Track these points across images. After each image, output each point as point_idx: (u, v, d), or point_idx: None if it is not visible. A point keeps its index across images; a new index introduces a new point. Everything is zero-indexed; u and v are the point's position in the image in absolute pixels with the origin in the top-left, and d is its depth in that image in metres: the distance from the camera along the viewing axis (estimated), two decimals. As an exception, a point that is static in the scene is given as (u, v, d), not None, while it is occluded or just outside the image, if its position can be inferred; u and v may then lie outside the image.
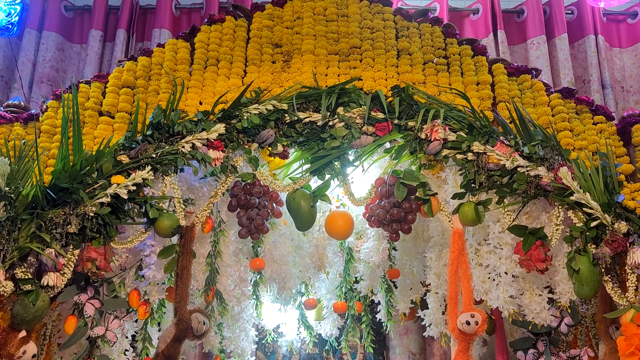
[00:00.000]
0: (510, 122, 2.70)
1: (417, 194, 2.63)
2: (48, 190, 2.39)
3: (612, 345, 2.58)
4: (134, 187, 2.47)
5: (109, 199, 2.42)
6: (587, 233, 2.45)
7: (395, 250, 3.17)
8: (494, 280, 2.66)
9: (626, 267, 2.44)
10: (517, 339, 3.08)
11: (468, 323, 2.44)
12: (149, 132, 2.57)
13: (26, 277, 2.35)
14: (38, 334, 2.78)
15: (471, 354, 2.53)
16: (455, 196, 2.62)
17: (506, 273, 2.62)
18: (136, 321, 2.95)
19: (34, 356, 2.41)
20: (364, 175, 2.77)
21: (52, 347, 2.90)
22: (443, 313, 2.91)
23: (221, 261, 2.85)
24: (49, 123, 2.77)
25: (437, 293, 2.92)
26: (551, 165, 2.52)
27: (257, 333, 3.69)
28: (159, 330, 3.04)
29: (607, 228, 2.43)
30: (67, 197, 2.40)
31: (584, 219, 2.47)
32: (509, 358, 3.01)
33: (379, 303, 3.31)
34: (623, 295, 2.44)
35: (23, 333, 2.38)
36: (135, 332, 2.95)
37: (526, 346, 2.99)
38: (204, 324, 2.47)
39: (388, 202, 2.66)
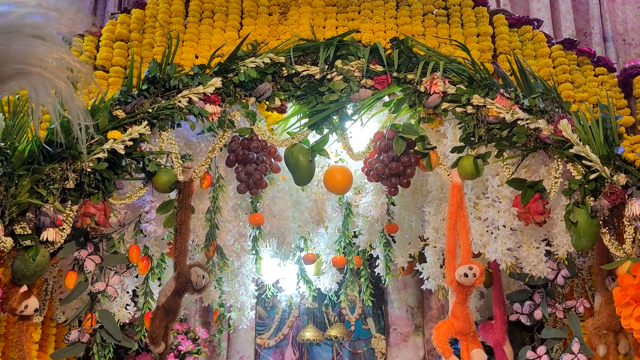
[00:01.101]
0: (510, 75, 2.67)
1: (416, 147, 2.62)
2: (44, 146, 2.37)
3: (607, 296, 2.62)
4: (131, 143, 2.45)
5: (106, 155, 2.41)
6: (586, 186, 2.45)
7: (394, 205, 3.17)
8: (492, 233, 2.68)
9: (624, 219, 2.45)
10: (514, 292, 3.13)
11: (466, 275, 2.46)
12: (144, 87, 2.54)
13: (25, 232, 2.36)
14: (39, 289, 2.80)
15: (468, 305, 2.56)
16: (454, 150, 2.60)
17: (504, 226, 2.63)
18: (136, 276, 2.98)
19: (36, 310, 2.44)
20: (363, 129, 2.75)
21: (53, 302, 2.93)
22: (441, 266, 2.93)
23: (220, 217, 2.85)
24: (43, 77, 2.72)
25: (435, 247, 2.94)
26: (551, 118, 2.51)
27: (256, 288, 3.73)
28: (160, 285, 3.07)
29: (605, 180, 2.43)
30: (63, 152, 2.38)
31: (583, 172, 2.46)
32: (506, 310, 3.06)
33: (377, 257, 3.33)
34: (620, 247, 2.45)
35: (24, 288, 2.40)
36: (135, 287, 2.98)
37: (523, 298, 3.04)
38: (204, 277, 2.49)
39: (387, 156, 2.64)
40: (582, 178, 2.46)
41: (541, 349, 2.93)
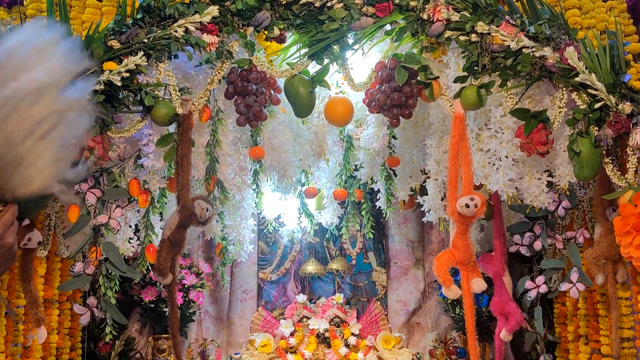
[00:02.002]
0: (516, 1, 2.59)
1: (418, 77, 2.57)
2: (39, 78, 2.32)
3: (608, 226, 2.63)
4: (127, 74, 2.40)
5: (102, 87, 2.36)
6: (590, 115, 2.42)
7: (395, 138, 3.15)
8: (494, 164, 2.66)
9: (627, 149, 2.43)
10: (514, 224, 3.15)
11: (467, 206, 2.47)
12: (139, 16, 2.46)
13: (24, 165, 2.35)
14: (42, 224, 2.83)
15: (469, 236, 2.58)
16: (457, 79, 2.56)
17: (506, 157, 2.61)
18: (138, 211, 2.99)
19: (39, 243, 2.46)
20: (364, 59, 2.69)
21: (57, 237, 2.95)
22: (442, 199, 2.94)
23: (220, 150, 2.83)
24: (34, 7, 2.65)
25: (436, 179, 2.93)
26: (557, 46, 2.44)
27: (257, 223, 3.76)
28: (162, 220, 3.09)
29: (610, 109, 2.40)
30: (59, 84, 2.34)
31: (588, 101, 2.42)
32: (506, 242, 3.09)
33: (378, 191, 3.33)
34: (622, 177, 2.45)
35: (26, 221, 2.39)
36: (137, 221, 3.00)
37: (523, 230, 3.06)
38: (207, 210, 2.50)
39: (388, 86, 2.60)
40: (587, 107, 2.42)
41: (540, 279, 2.98)
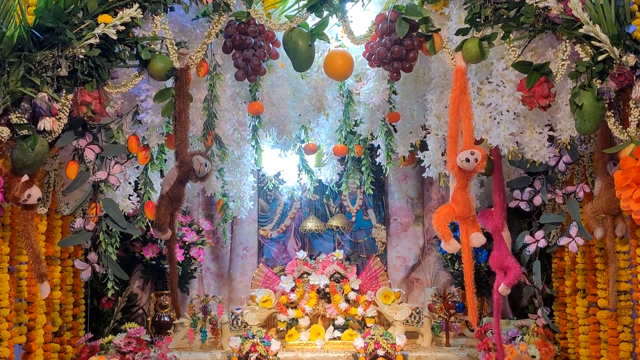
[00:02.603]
0: (520, -50, 2.52)
1: (419, 30, 2.52)
2: (33, 31, 2.29)
3: (608, 180, 2.63)
4: (123, 27, 2.36)
5: (97, 40, 2.33)
6: (594, 67, 2.38)
7: (396, 94, 3.11)
8: (494, 119, 2.64)
9: (630, 102, 2.40)
10: (514, 179, 3.14)
11: (468, 160, 2.46)
12: (134, -34, 2.40)
13: (22, 122, 2.33)
14: (42, 182, 2.82)
15: (469, 191, 2.57)
16: (459, 32, 2.51)
17: (508, 111, 2.59)
18: (137, 168, 2.98)
19: (39, 200, 2.46)
20: (364, 11, 2.65)
21: (57, 194, 2.96)
22: (442, 154, 2.92)
23: (219, 106, 2.80)
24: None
25: (437, 135, 2.91)
26: (561, -4, 2.39)
27: (256, 180, 3.75)
28: (161, 177, 3.08)
29: (614, 62, 2.36)
30: (53, 38, 2.31)
31: (591, 53, 2.38)
32: (505, 198, 3.08)
33: (378, 147, 3.31)
34: (624, 130, 2.43)
35: (25, 177, 2.40)
36: (137, 178, 2.99)
37: (523, 185, 3.05)
38: (206, 165, 2.49)
39: (389, 39, 2.55)
40: (590, 60, 2.38)
41: (539, 234, 2.99)
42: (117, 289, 2.76)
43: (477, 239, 2.55)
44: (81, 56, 2.32)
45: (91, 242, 3.11)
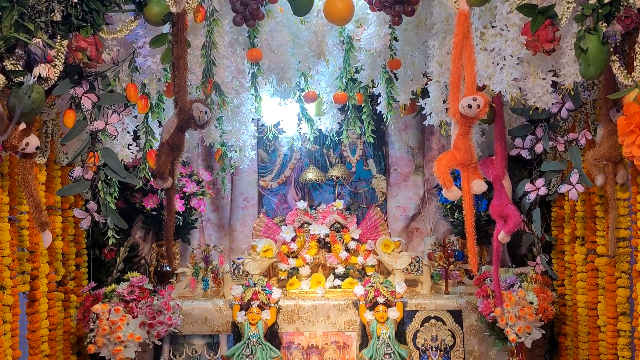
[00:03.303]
0: None
1: (421, -29, 2.45)
2: (24, -26, 2.22)
3: (610, 127, 2.61)
4: (117, -31, 2.30)
5: (92, -17, 2.27)
6: (600, 10, 2.33)
7: (397, 40, 3.04)
8: (498, 64, 2.60)
9: (636, 46, 2.35)
10: (516, 127, 3.12)
11: (470, 106, 2.43)
12: None
13: (16, 69, 2.29)
14: (40, 132, 2.80)
15: (471, 137, 2.55)
16: (462, -27, 2.44)
17: (511, 56, 2.55)
18: (136, 117, 2.95)
19: (37, 148, 2.44)
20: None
21: (55, 144, 2.94)
22: (444, 101, 2.89)
23: (217, 53, 2.75)
24: None
25: (438, 82, 2.87)
26: None
27: (256, 129, 3.72)
28: (160, 126, 3.05)
29: (621, 4, 2.30)
30: (45, -19, 2.25)
31: (598, -5, 2.33)
32: (507, 146, 3.06)
33: (379, 95, 3.27)
34: (629, 75, 2.39)
35: (23, 125, 2.37)
36: (136, 127, 2.96)
37: (525, 133, 3.03)
38: (206, 113, 2.46)
39: (390, -19, 2.49)
40: (596, 2, 2.32)
41: (539, 181, 2.98)
42: (117, 237, 2.76)
43: (479, 186, 2.54)
44: (75, 0, 2.26)
45: (91, 192, 3.12)
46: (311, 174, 3.96)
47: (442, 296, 3.57)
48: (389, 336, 3.28)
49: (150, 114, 2.83)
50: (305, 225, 3.80)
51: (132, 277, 3.28)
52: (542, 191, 2.98)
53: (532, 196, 3.00)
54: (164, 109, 2.99)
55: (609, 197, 2.69)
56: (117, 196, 2.87)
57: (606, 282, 2.86)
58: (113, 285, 3.29)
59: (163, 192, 3.63)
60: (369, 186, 4.12)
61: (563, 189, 2.86)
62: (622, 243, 2.74)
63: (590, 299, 3.05)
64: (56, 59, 2.35)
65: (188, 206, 3.74)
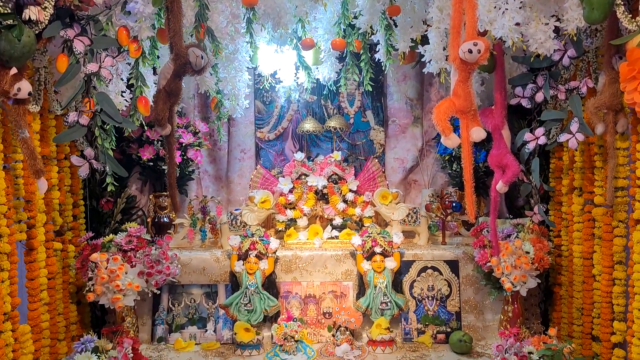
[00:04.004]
0: None
1: None
2: None
3: (612, 75, 2.57)
4: None
5: None
6: (605, -49, 2.26)
7: (396, -15, 2.97)
8: (499, 9, 2.53)
9: (641, -11, 2.30)
10: (517, 75, 3.07)
11: (470, 51, 2.38)
12: None
13: (5, 11, 2.22)
14: (33, 80, 2.74)
15: (471, 84, 2.51)
16: None
17: (514, 0, 2.48)
18: (129, 64, 2.89)
19: (30, 94, 2.40)
20: None
21: (49, 93, 2.89)
22: (444, 48, 2.83)
23: (210, -5, 2.68)
24: None
25: (438, 28, 2.80)
26: None
27: (252, 78, 3.66)
28: (155, 74, 3.00)
29: (627, -55, 2.23)
30: None
31: None
32: (507, 95, 3.02)
33: (377, 43, 3.21)
34: (633, 20, 2.33)
35: (14, 70, 2.32)
36: (129, 73, 2.91)
37: (525, 81, 2.99)
38: (202, 58, 2.41)
39: None
40: (602, -57, 2.25)
41: (539, 131, 2.96)
42: (116, 184, 2.74)
43: (478, 134, 2.51)
44: (64, -61, 2.18)
45: (87, 141, 3.09)
46: (309, 125, 3.92)
47: (439, 247, 3.58)
48: (386, 285, 3.31)
49: (141, 60, 2.77)
50: (303, 176, 3.78)
51: (130, 228, 3.28)
52: (542, 140, 2.95)
53: (531, 146, 2.98)
54: (158, 57, 2.93)
55: (608, 146, 2.67)
56: (114, 146, 2.85)
57: (603, 231, 2.87)
58: (111, 236, 3.30)
59: (159, 142, 3.62)
60: (367, 138, 4.09)
61: (563, 138, 2.83)
62: (620, 192, 2.73)
63: (586, 248, 3.06)
64: (46, 1, 2.28)
65: (185, 157, 3.71)
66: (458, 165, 3.73)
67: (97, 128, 2.54)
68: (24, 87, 2.34)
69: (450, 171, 3.88)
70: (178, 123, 3.71)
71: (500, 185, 2.91)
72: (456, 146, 2.54)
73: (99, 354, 2.88)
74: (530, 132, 2.98)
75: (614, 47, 2.53)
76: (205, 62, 2.44)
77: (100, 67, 2.53)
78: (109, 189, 2.65)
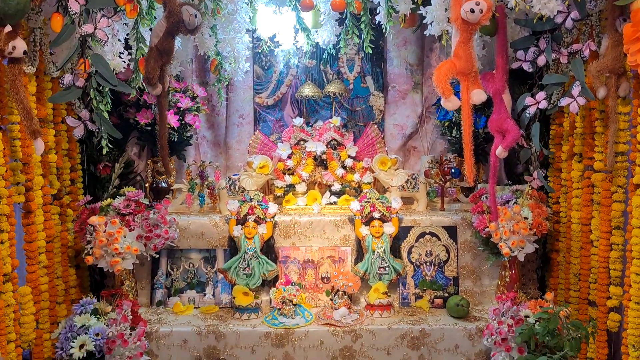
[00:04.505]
0: None
1: None
2: None
3: (616, 38, 2.54)
4: None
5: None
6: None
7: (398, -56, 2.91)
8: (503, -32, 2.49)
9: (648, -53, 2.25)
10: (519, 39, 3.04)
11: (472, 11, 2.35)
12: None
13: (-2, -32, 2.19)
14: (28, 40, 2.70)
15: (472, 45, 2.48)
16: None
17: (519, -43, 2.44)
18: (126, 24, 2.85)
19: (25, 53, 2.36)
20: None
21: (44, 54, 2.85)
22: (446, 10, 2.79)
23: (209, -48, 2.62)
24: None
25: (440, -11, 2.76)
26: None
27: (251, 39, 3.61)
28: (152, 35, 2.96)
29: None
30: None
31: None
32: (508, 59, 2.99)
33: (378, 5, 3.15)
34: (638, -20, 2.30)
35: (8, 28, 2.29)
36: (127, 34, 2.87)
37: (527, 44, 2.96)
38: (196, 16, 2.37)
39: None
40: None
41: (540, 95, 2.93)
42: (111, 147, 2.72)
43: (478, 96, 2.49)
44: None
45: (83, 104, 3.06)
46: (308, 90, 3.88)
47: (438, 213, 3.58)
48: (384, 250, 3.32)
49: (139, 20, 2.72)
50: (302, 142, 3.76)
51: (128, 192, 3.27)
52: (543, 105, 2.93)
53: (531, 110, 2.95)
54: (155, 17, 2.88)
55: (609, 110, 2.65)
56: (110, 109, 2.82)
57: (602, 197, 2.87)
58: (109, 200, 3.29)
59: (157, 106, 3.58)
60: (366, 104, 4.05)
61: (564, 101, 2.81)
62: (620, 157, 2.73)
63: (584, 214, 3.06)
64: (40, -42, 2.24)
65: (183, 122, 3.68)
66: (458, 131, 3.71)
67: (92, 90, 2.51)
68: (19, 45, 2.31)
69: (449, 137, 3.85)
70: (176, 87, 3.67)
71: (499, 150, 2.89)
72: (456, 108, 2.52)
73: (98, 316, 2.90)
74: (531, 96, 2.96)
75: (618, 9, 2.49)
76: (199, 22, 2.40)
77: (95, 28, 2.49)
78: (104, 151, 2.63)
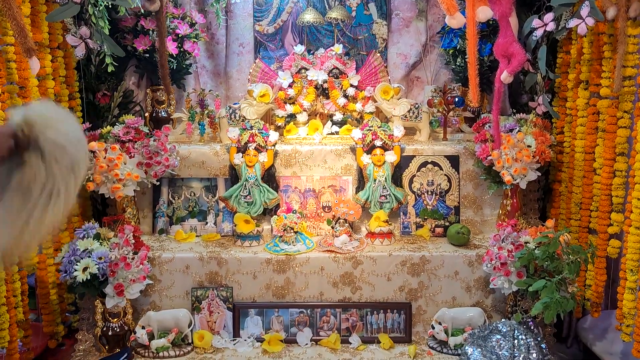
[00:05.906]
0: None
1: None
2: None
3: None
4: None
5: None
6: None
7: None
8: None
9: None
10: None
11: None
12: None
13: None
14: (20, -42, 2.62)
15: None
16: None
17: None
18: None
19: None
20: None
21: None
22: None
23: None
24: None
25: None
26: None
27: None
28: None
29: None
30: None
31: None
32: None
33: None
34: None
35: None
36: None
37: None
38: None
39: None
40: None
41: (548, 16, 2.85)
42: (115, 64, 2.65)
43: (484, 13, 2.42)
44: None
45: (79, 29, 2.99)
46: (309, 16, 3.78)
47: (440, 143, 3.54)
48: (385, 179, 3.31)
49: None
50: (303, 70, 3.68)
51: (128, 119, 3.24)
52: (550, 27, 2.85)
53: (539, 33, 2.87)
54: None
55: (618, 32, 2.58)
56: (109, 28, 2.74)
57: (607, 124, 2.82)
58: (109, 127, 3.26)
59: (154, 32, 3.49)
60: (369, 32, 3.95)
61: (572, 23, 2.73)
62: (627, 82, 2.67)
63: (588, 142, 3.03)
64: None
65: (181, 49, 3.61)
66: (462, 59, 3.63)
67: (90, 5, 2.43)
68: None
69: (454, 67, 3.78)
70: (174, 13, 3.57)
71: (505, 75, 2.83)
72: (461, 26, 2.45)
73: (100, 241, 2.92)
74: (538, 18, 2.87)
75: None
76: None
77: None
78: (109, 69, 2.57)
